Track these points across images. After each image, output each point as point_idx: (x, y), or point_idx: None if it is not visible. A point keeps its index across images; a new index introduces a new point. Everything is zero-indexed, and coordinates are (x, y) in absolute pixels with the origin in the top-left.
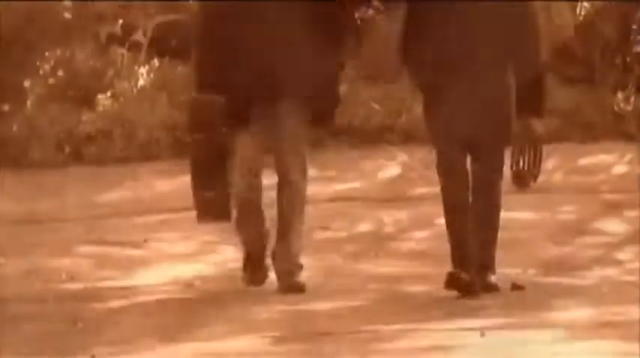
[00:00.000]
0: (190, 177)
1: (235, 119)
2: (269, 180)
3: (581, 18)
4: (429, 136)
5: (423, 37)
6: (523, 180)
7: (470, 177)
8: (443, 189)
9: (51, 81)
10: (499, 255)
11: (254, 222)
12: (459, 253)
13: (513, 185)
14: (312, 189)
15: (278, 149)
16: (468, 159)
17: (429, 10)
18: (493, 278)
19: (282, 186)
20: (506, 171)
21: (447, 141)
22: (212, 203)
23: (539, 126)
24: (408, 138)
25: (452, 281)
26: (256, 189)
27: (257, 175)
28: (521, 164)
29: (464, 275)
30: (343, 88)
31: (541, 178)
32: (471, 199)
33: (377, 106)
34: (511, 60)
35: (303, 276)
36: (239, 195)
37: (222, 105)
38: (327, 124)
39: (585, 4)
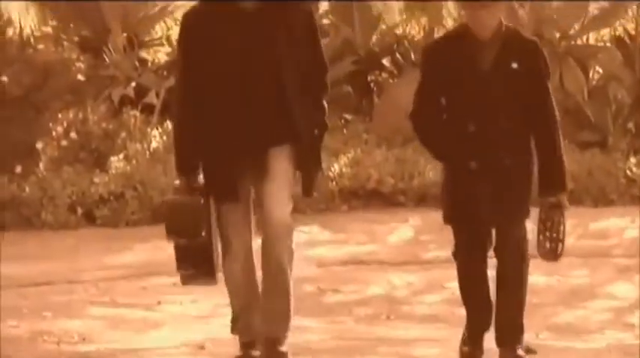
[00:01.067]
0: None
1: (223, 196)
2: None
3: (594, 82)
4: (444, 213)
5: (438, 106)
6: (549, 253)
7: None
8: (459, 267)
9: (64, 143)
10: None
11: (248, 292)
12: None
13: (540, 258)
14: (323, 252)
15: (262, 197)
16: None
17: (444, 78)
18: (520, 352)
19: (268, 238)
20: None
21: (466, 219)
22: (193, 277)
23: (563, 199)
24: (420, 201)
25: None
26: (250, 271)
27: (250, 256)
28: (549, 239)
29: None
30: (356, 152)
31: None
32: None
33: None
34: (532, 133)
35: (314, 339)
36: (235, 279)
37: (200, 206)
38: (308, 193)
39: (598, 68)
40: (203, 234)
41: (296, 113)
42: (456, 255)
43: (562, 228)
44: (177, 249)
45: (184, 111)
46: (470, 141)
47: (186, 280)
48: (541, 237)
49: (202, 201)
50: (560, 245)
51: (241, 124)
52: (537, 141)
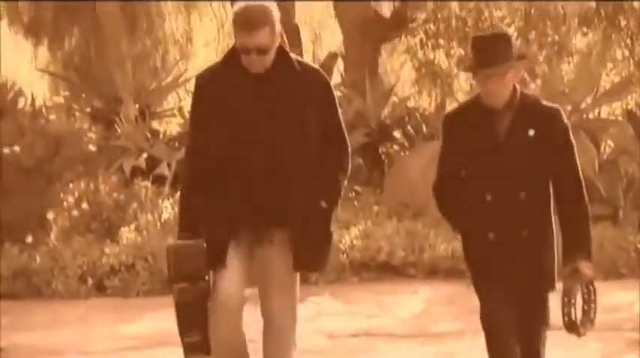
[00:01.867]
0: (176, 322)
1: (216, 259)
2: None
3: (605, 156)
4: (472, 278)
5: (458, 177)
6: (578, 328)
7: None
8: (486, 338)
9: (75, 213)
10: None
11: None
12: None
13: (568, 333)
14: (335, 324)
15: (264, 288)
16: None
17: (462, 148)
18: None
19: (268, 329)
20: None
21: (489, 286)
22: (199, 345)
23: (587, 268)
24: (431, 274)
25: None
26: (239, 333)
27: (238, 318)
28: (573, 311)
29: None
30: (367, 224)
31: None
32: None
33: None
34: (556, 201)
35: None
36: (221, 342)
37: (203, 250)
38: (318, 269)
39: (609, 142)
40: (207, 278)
41: (300, 192)
42: (482, 321)
43: (590, 298)
44: (179, 308)
45: (190, 175)
46: (487, 211)
47: (190, 350)
48: (565, 309)
49: (205, 245)
50: (586, 317)
51: (243, 198)
52: (563, 209)
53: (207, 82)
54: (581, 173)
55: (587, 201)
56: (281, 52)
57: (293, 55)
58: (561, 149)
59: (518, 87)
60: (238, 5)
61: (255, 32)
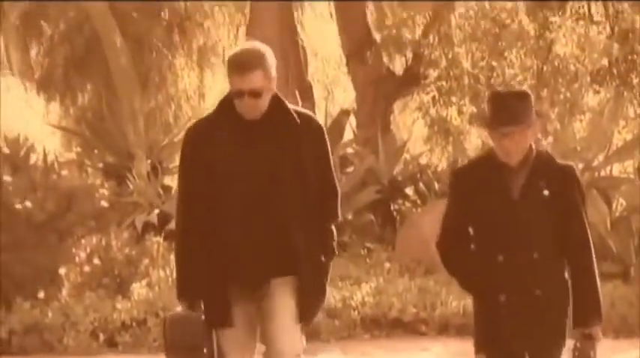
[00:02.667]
0: None
1: (219, 321)
2: None
3: (617, 214)
4: (475, 341)
5: (465, 235)
6: None
7: None
8: None
9: (86, 268)
10: None
11: None
12: None
13: None
14: None
15: (269, 337)
16: None
17: (471, 205)
18: None
19: None
20: None
21: (497, 351)
22: None
23: (597, 331)
24: (442, 331)
25: None
26: None
27: None
28: None
29: None
30: (379, 280)
31: None
32: None
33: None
34: (567, 261)
35: None
36: None
37: (201, 322)
38: (310, 321)
39: (622, 200)
40: (205, 351)
41: (299, 242)
42: None
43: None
44: None
45: (183, 235)
46: (498, 272)
47: None
48: None
49: (203, 317)
50: None
51: (241, 252)
52: (571, 270)
53: (200, 134)
54: (590, 236)
55: (595, 266)
56: (275, 99)
57: (287, 103)
58: (573, 211)
59: (533, 144)
60: (234, 49)
61: (248, 75)
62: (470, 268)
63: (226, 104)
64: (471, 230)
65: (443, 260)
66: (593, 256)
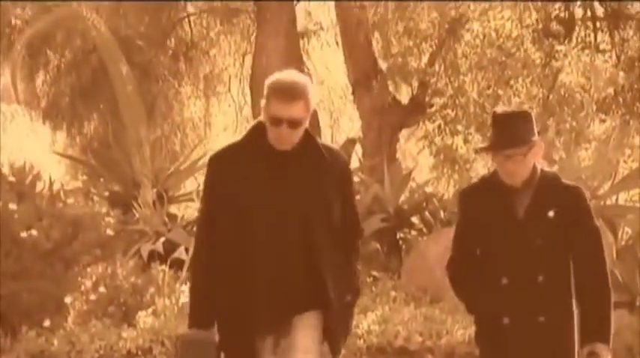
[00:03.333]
0: None
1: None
2: None
3: (622, 242)
4: None
5: (473, 257)
6: None
7: None
8: None
9: (92, 297)
10: None
11: None
12: None
13: None
14: None
15: None
16: None
17: (478, 227)
18: None
19: None
20: None
21: None
22: None
23: (605, 352)
24: None
25: None
26: None
27: None
28: None
29: None
30: (385, 309)
31: None
32: None
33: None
34: (577, 283)
35: None
36: None
37: (214, 342)
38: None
39: (627, 229)
40: None
41: (327, 276)
42: None
43: None
44: None
45: (201, 266)
46: (502, 295)
47: None
48: None
49: (217, 338)
50: None
51: (263, 286)
52: (585, 293)
53: (224, 163)
54: (604, 257)
55: (610, 286)
56: (306, 132)
57: (317, 137)
58: (584, 230)
59: (538, 165)
60: (276, 75)
61: (291, 104)
62: (475, 290)
63: (257, 132)
64: (478, 251)
65: (453, 284)
66: (608, 276)
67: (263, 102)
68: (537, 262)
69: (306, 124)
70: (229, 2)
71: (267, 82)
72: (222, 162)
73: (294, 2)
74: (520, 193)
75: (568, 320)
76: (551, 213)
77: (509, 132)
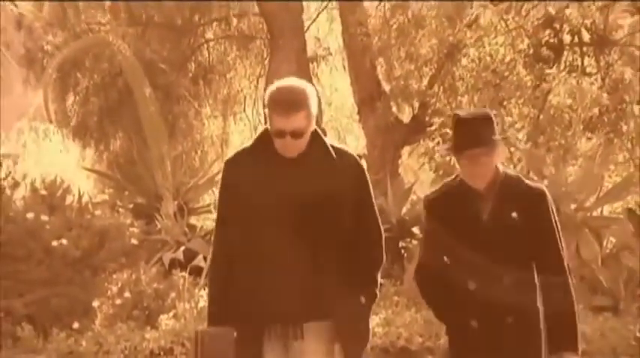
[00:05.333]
0: None
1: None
2: None
3: (607, 251)
4: None
5: (440, 263)
6: None
7: None
8: None
9: (118, 301)
10: None
11: None
12: None
13: None
14: None
15: None
16: None
17: (444, 232)
18: None
19: None
20: None
21: None
22: None
23: None
24: None
25: None
26: None
27: None
28: None
29: None
30: (388, 312)
31: None
32: None
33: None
34: (541, 287)
35: None
36: None
37: (233, 338)
38: None
39: (612, 238)
40: None
41: (334, 283)
42: None
43: None
44: None
45: (217, 270)
46: (470, 298)
47: None
48: None
49: (235, 333)
50: None
51: (274, 289)
52: (546, 295)
53: (238, 167)
54: (565, 260)
55: (573, 291)
56: (313, 134)
57: (326, 139)
58: (545, 234)
59: (500, 167)
60: (275, 85)
61: (292, 116)
62: (443, 295)
63: (265, 139)
64: (445, 257)
65: (419, 289)
66: (570, 281)
67: (266, 111)
68: (503, 265)
69: (312, 129)
70: (244, 29)
71: (268, 91)
72: (236, 165)
73: (305, 29)
74: (484, 196)
75: (535, 319)
76: (514, 215)
77: (472, 133)
